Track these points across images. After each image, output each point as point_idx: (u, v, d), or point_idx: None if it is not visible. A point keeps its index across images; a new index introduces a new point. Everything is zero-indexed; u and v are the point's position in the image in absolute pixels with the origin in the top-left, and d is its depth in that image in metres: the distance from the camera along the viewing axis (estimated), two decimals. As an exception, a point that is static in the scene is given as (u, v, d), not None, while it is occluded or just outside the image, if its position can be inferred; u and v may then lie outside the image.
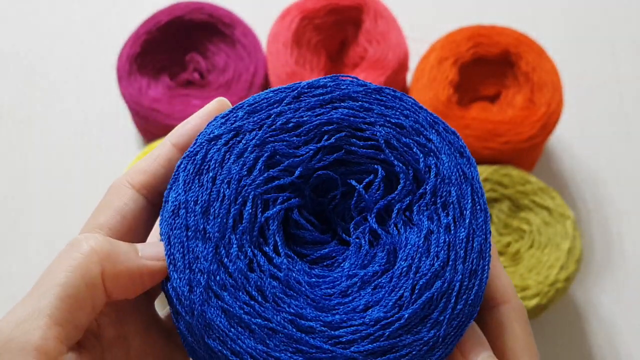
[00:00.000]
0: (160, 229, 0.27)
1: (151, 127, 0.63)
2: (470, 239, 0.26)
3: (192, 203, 0.26)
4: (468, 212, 0.27)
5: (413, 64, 0.64)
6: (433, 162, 0.27)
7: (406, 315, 0.25)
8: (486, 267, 0.26)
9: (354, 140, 0.28)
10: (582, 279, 0.65)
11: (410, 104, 0.28)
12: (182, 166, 0.27)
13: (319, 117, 0.28)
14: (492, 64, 0.63)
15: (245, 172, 0.27)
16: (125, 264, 0.25)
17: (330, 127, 0.28)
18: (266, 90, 0.28)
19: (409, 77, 0.65)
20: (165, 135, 0.60)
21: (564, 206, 0.58)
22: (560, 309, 0.64)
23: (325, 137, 0.28)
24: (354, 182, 0.28)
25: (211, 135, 0.27)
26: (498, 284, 0.28)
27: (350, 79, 0.29)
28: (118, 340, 0.27)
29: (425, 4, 0.78)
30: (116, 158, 0.69)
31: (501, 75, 0.63)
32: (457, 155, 0.28)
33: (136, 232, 0.28)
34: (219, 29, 0.64)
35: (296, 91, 0.28)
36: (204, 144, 0.27)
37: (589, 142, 0.71)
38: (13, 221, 0.67)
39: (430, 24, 0.76)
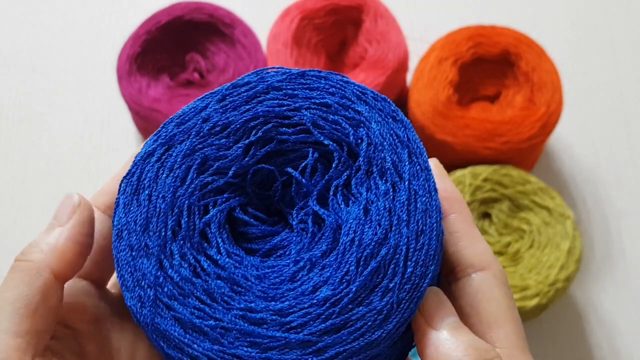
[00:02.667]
0: None
1: (151, 127, 0.63)
2: (412, 200, 0.26)
3: (133, 223, 0.27)
4: (407, 174, 0.26)
5: (413, 64, 0.64)
6: (364, 132, 0.27)
7: (354, 289, 0.25)
8: (435, 224, 0.26)
9: (283, 129, 0.28)
10: (581, 278, 0.65)
11: (335, 80, 0.28)
12: (121, 189, 0.28)
13: (244, 115, 0.28)
14: (492, 64, 0.63)
15: (179, 183, 0.27)
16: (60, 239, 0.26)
17: (256, 122, 0.28)
18: (194, 100, 0.29)
19: (409, 77, 0.65)
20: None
21: (564, 206, 0.58)
22: (560, 308, 0.64)
23: (253, 132, 0.28)
24: (290, 170, 0.28)
25: (145, 154, 0.28)
26: (475, 251, 0.27)
27: (275, 70, 0.29)
28: (102, 355, 0.28)
29: (425, 4, 0.78)
30: (117, 158, 0.69)
31: (501, 75, 0.63)
32: (390, 120, 0.27)
33: (107, 251, 0.28)
34: (219, 29, 0.64)
35: (220, 94, 0.28)
36: (138, 163, 0.28)
37: (589, 142, 0.71)
38: (13, 221, 0.67)
39: (430, 24, 0.76)
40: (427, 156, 0.27)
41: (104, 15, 0.77)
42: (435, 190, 0.27)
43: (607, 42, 0.76)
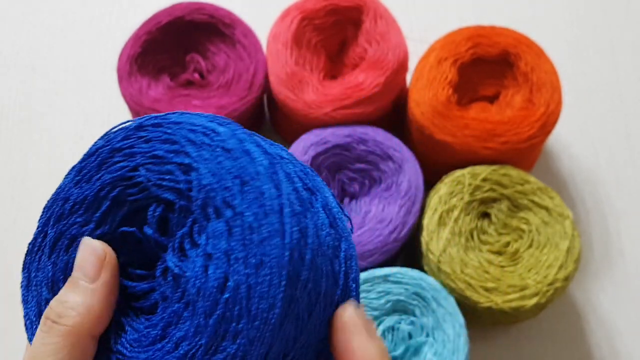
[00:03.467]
0: None
1: (151, 127, 0.63)
2: (247, 233, 0.25)
3: (32, 314, 0.29)
4: (239, 207, 0.25)
5: (413, 64, 0.64)
6: (194, 176, 0.27)
7: (204, 341, 0.25)
8: (274, 250, 0.25)
9: (129, 190, 0.28)
10: (580, 278, 0.65)
11: (169, 124, 0.28)
12: (21, 284, 0.30)
13: (95, 186, 0.29)
14: (491, 64, 0.63)
15: (57, 269, 0.29)
16: (100, 306, 0.27)
17: (105, 191, 0.29)
18: (63, 178, 0.30)
19: (409, 77, 0.65)
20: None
21: (563, 206, 0.58)
22: (559, 308, 0.64)
23: (104, 202, 0.29)
24: (146, 229, 0.29)
25: (30, 245, 0.30)
26: (358, 355, 0.27)
27: (118, 127, 0.29)
28: None
29: (424, 4, 0.78)
30: (116, 158, 0.69)
31: (500, 76, 0.64)
32: (219, 151, 0.27)
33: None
34: (220, 29, 0.64)
35: (76, 169, 0.30)
36: (27, 255, 0.30)
37: (588, 142, 0.71)
38: (13, 221, 0.67)
39: (430, 25, 0.76)
40: (266, 177, 0.26)
41: (104, 16, 0.77)
42: (276, 211, 0.26)
43: (606, 43, 0.76)
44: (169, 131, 0.28)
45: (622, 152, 0.71)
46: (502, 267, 0.57)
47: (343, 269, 0.28)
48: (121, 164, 0.28)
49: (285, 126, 0.67)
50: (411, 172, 0.59)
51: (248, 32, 0.64)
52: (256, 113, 0.66)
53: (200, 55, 0.65)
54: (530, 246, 0.58)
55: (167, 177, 0.27)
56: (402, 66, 0.62)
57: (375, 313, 0.55)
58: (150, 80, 0.63)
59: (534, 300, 0.54)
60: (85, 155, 0.30)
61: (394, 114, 0.67)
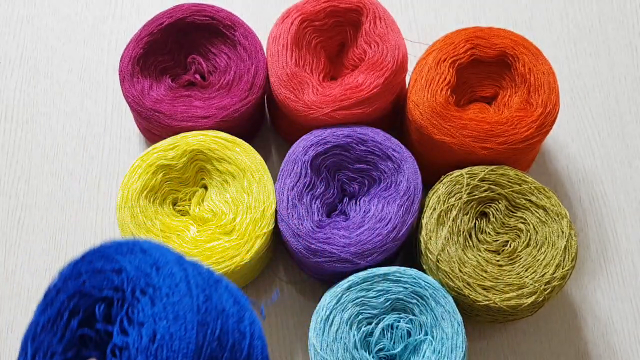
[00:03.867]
0: None
1: (153, 128, 0.63)
2: (166, 302, 0.36)
3: None
4: (158, 283, 0.37)
5: (411, 65, 0.64)
6: (124, 275, 0.38)
7: None
8: (187, 311, 0.36)
9: (81, 301, 0.39)
10: (577, 276, 0.66)
11: (103, 248, 0.40)
12: None
13: (55, 307, 0.39)
14: (489, 65, 0.64)
15: None
16: None
17: (63, 307, 0.39)
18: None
19: (408, 78, 0.66)
20: (167, 136, 0.61)
21: (560, 205, 0.59)
22: (556, 306, 0.64)
23: (64, 314, 0.39)
24: (97, 325, 0.39)
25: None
26: None
27: (67, 264, 0.41)
28: None
29: (423, 6, 0.78)
30: (119, 158, 0.70)
31: (498, 77, 0.64)
32: (139, 253, 0.39)
33: None
34: (221, 31, 0.65)
35: (42, 303, 0.40)
36: None
37: (585, 143, 0.72)
38: (17, 220, 0.68)
39: (429, 26, 0.77)
40: (175, 263, 0.38)
41: (106, 17, 0.78)
42: (184, 280, 0.37)
43: (602, 44, 0.76)
44: (106, 252, 0.40)
45: (618, 153, 0.71)
46: (500, 266, 0.57)
47: (249, 329, 0.38)
48: (72, 283, 0.39)
49: (285, 127, 0.68)
50: (410, 172, 0.60)
51: (249, 34, 0.65)
52: (256, 114, 0.67)
53: (202, 57, 0.66)
54: (527, 245, 0.58)
55: (105, 281, 0.39)
56: (401, 67, 0.62)
57: (375, 312, 0.56)
58: (152, 82, 0.64)
59: (531, 299, 0.55)
60: (46, 292, 0.40)
61: (393, 114, 0.67)
